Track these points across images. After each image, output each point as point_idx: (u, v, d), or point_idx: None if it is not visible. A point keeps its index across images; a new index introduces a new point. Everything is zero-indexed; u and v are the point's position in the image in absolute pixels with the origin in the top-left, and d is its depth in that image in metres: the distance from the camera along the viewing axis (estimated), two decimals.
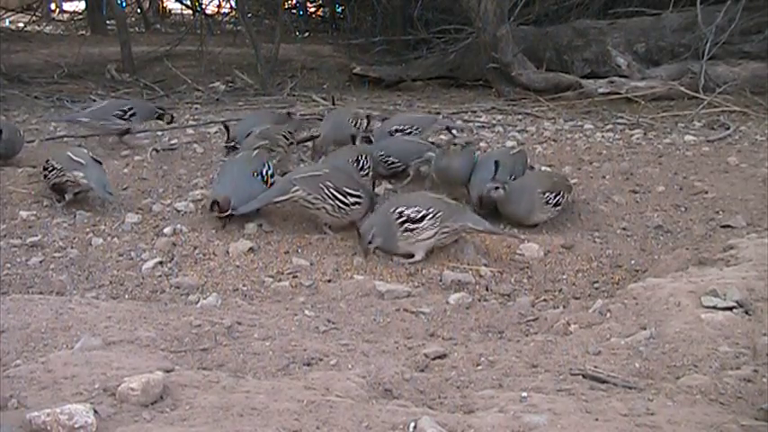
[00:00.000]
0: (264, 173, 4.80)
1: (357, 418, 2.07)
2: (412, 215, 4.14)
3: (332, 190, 4.40)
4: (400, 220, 4.15)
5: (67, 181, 4.76)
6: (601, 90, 8.39)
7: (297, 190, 4.44)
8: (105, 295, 3.78)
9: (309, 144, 6.30)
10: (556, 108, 8.10)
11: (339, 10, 14.50)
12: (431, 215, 4.15)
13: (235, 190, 4.57)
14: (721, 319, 2.75)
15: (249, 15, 13.02)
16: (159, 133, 6.81)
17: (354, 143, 5.61)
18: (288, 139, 5.71)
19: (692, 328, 2.71)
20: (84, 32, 14.52)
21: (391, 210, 4.22)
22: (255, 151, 5.02)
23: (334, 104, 7.79)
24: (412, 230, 4.14)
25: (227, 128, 6.02)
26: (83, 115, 6.37)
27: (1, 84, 9.06)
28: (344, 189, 4.44)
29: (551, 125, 7.43)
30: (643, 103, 8.04)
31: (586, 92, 8.41)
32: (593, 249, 4.41)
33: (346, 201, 4.44)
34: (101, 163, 4.97)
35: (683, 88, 8.13)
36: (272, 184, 4.74)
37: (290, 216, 4.70)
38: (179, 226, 4.56)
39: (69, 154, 4.87)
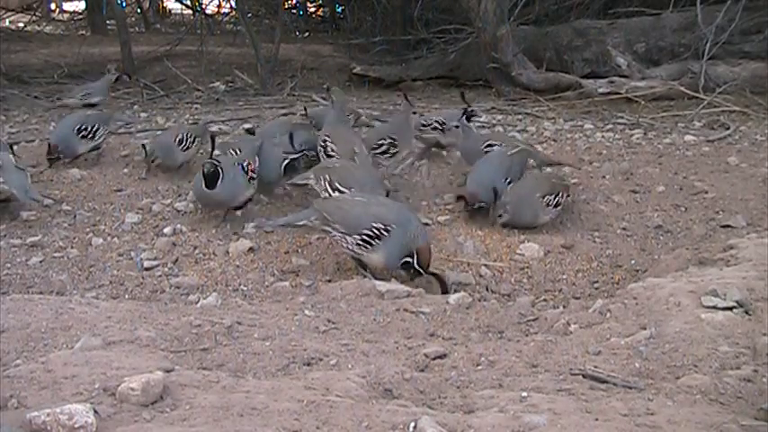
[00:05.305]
0: (245, 166, 4.70)
1: (357, 418, 2.06)
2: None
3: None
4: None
5: None
6: (601, 90, 8.36)
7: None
8: (105, 295, 3.78)
9: None
10: (556, 108, 8.09)
11: (339, 10, 14.47)
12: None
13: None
14: (721, 319, 2.75)
15: (249, 15, 12.99)
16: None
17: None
18: None
19: (692, 328, 2.71)
20: (84, 32, 14.49)
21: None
22: None
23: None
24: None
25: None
26: None
27: (1, 84, 9.04)
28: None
29: (551, 125, 7.43)
30: (643, 103, 8.03)
31: (586, 92, 8.39)
32: (593, 249, 4.40)
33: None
34: (23, 169, 4.74)
35: (683, 88, 8.10)
36: (252, 178, 4.69)
37: None
38: (179, 226, 4.56)
39: None
